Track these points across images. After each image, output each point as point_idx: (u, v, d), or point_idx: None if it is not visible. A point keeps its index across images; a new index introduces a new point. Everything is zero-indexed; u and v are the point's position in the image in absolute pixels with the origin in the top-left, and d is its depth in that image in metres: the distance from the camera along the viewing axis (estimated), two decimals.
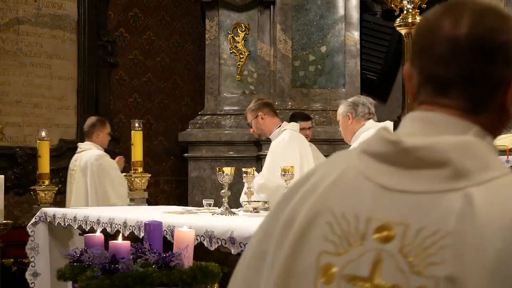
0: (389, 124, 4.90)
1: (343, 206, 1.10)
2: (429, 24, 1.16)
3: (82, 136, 7.84)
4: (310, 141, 6.06)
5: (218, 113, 8.05)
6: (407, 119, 1.16)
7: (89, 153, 6.26)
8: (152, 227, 3.23)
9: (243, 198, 5.12)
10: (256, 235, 1.21)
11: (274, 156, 5.33)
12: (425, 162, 1.06)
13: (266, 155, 5.80)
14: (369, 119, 4.89)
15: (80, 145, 6.52)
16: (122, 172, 6.28)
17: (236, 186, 5.54)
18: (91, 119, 6.57)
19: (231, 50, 8.08)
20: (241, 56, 8.06)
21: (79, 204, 6.15)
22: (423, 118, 1.14)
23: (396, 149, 1.09)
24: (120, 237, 3.17)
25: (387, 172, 1.09)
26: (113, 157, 6.45)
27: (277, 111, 7.62)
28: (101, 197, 6.09)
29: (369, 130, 4.75)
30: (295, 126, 5.71)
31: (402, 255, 1.03)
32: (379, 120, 5.05)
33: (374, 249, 1.05)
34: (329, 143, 7.08)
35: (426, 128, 1.13)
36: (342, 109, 4.96)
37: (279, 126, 5.60)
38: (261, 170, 5.54)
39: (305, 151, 5.49)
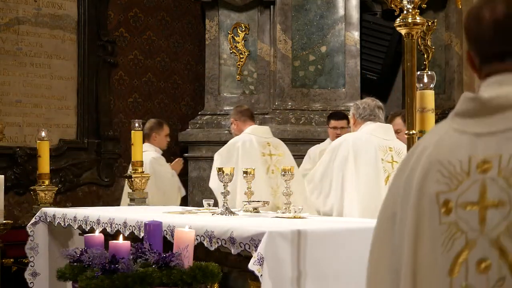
0: (376, 125, 4.95)
1: (448, 155, 1.45)
2: (474, 17, 1.51)
3: (82, 136, 7.86)
4: None
5: (218, 113, 8.05)
6: (484, 85, 1.49)
7: (145, 155, 6.33)
8: (152, 227, 3.23)
9: (239, 198, 5.15)
10: (385, 202, 1.57)
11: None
12: (501, 108, 1.41)
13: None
14: (369, 120, 4.95)
15: None
16: (179, 174, 6.60)
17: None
18: (150, 122, 6.78)
19: (231, 50, 8.08)
20: (241, 56, 8.05)
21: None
22: (494, 81, 1.48)
23: (477, 103, 1.44)
24: (120, 237, 3.17)
25: (476, 122, 1.43)
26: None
27: (277, 111, 7.68)
28: (150, 199, 6.15)
29: (357, 131, 4.90)
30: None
31: (501, 177, 1.36)
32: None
33: (479, 179, 1.39)
34: None
35: (498, 85, 1.46)
36: (350, 110, 5.16)
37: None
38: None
39: (246, 153, 5.76)
